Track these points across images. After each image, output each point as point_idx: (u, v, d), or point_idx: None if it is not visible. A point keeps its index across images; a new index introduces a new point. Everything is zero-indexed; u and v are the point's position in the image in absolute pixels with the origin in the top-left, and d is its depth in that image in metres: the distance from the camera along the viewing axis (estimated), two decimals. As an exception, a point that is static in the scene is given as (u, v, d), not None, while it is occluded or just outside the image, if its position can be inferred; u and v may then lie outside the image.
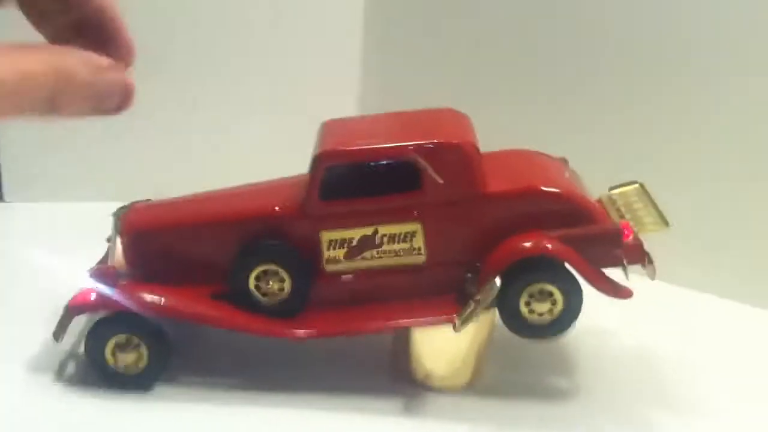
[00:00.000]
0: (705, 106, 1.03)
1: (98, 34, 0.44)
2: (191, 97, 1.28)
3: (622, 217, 0.87)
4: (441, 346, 0.88)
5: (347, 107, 1.24)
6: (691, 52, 1.02)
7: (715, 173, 1.04)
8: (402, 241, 0.84)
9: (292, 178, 0.89)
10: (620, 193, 0.91)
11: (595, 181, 0.92)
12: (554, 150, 0.94)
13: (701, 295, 1.06)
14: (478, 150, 0.84)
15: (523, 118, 1.14)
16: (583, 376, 0.92)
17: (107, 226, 0.95)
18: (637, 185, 0.92)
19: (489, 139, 0.87)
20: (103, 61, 0.42)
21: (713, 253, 1.05)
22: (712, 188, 1.05)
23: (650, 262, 0.84)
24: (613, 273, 0.85)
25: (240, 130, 1.28)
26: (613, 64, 1.08)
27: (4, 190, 1.31)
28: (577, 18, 1.09)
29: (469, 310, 0.82)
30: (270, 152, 1.17)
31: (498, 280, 0.83)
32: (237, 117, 1.28)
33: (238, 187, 0.93)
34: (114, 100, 0.43)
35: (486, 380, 0.90)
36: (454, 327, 0.82)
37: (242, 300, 0.86)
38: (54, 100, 0.40)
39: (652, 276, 0.84)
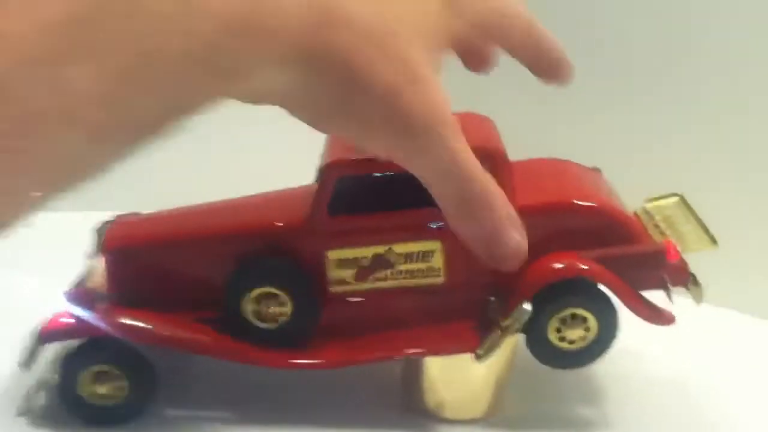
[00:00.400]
0: (751, 108, 0.97)
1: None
2: None
3: (661, 233, 0.81)
4: (456, 372, 0.82)
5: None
6: (736, 49, 0.96)
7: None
8: (419, 261, 0.77)
9: (297, 189, 0.82)
10: (658, 206, 0.84)
11: (629, 192, 0.84)
12: (582, 159, 0.87)
13: (745, 318, 0.99)
14: (506, 158, 0.77)
15: (546, 124, 1.08)
16: (613, 407, 0.85)
17: (86, 239, 0.85)
18: (677, 198, 0.85)
19: (509, 148, 0.79)
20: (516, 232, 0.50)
21: (762, 272, 0.98)
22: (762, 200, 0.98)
23: (695, 284, 0.78)
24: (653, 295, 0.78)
25: (240, 135, 1.18)
26: (646, 61, 1.02)
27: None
28: (605, 14, 1.03)
29: (493, 338, 0.76)
30: (273, 160, 1.10)
31: (528, 305, 0.76)
32: (236, 120, 1.18)
33: (235, 200, 0.84)
34: (507, 263, 0.50)
35: (506, 411, 0.84)
36: (477, 357, 0.76)
37: (238, 326, 0.78)
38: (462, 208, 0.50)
39: (699, 299, 0.78)
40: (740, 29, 0.96)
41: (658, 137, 1.02)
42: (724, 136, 0.99)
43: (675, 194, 0.85)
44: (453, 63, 1.13)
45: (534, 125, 1.05)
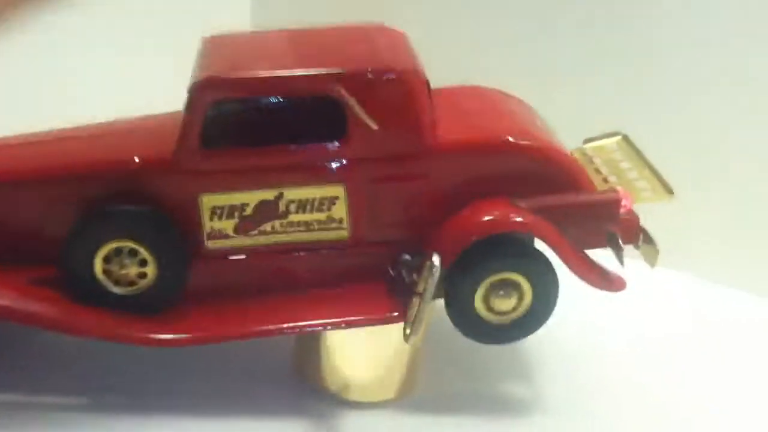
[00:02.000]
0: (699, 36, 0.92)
1: None
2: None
3: (604, 180, 0.75)
4: (361, 348, 0.76)
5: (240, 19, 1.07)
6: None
7: (724, 125, 0.92)
8: (317, 210, 0.71)
9: (162, 116, 0.74)
10: (598, 147, 0.80)
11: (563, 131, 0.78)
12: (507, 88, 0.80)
13: (700, 282, 0.94)
14: (426, 83, 0.70)
15: (472, 47, 1.00)
16: (547, 385, 0.80)
17: None
18: (619, 137, 0.82)
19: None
20: None
21: (720, 233, 0.94)
22: (718, 146, 0.93)
23: (649, 242, 0.71)
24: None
25: (85, 46, 1.06)
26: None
27: None
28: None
29: (416, 309, 0.67)
30: (139, 80, 0.97)
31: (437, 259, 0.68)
32: (77, 30, 1.06)
33: (85, 127, 0.76)
34: None
35: (420, 392, 0.78)
36: (406, 337, 0.67)
37: (85, 290, 0.70)
38: None
39: (653, 261, 0.71)
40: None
41: (594, 70, 0.98)
42: (674, 66, 0.94)
43: (617, 133, 0.80)
44: None
45: (457, 48, 1.00)
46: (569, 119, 0.80)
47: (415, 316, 0.68)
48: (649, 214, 0.75)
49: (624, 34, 0.97)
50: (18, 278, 0.69)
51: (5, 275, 0.69)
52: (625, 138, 0.80)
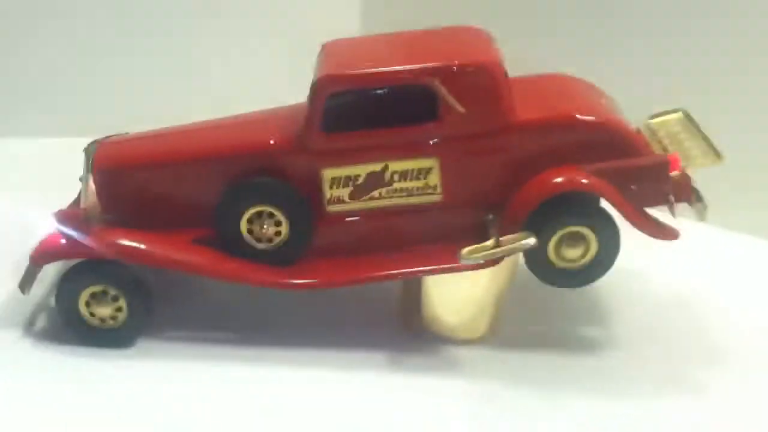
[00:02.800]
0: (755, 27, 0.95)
1: None
2: (170, 16, 1.19)
3: (665, 149, 0.79)
4: (456, 293, 0.81)
5: (349, 27, 1.14)
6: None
7: None
8: (415, 179, 0.77)
9: (289, 107, 0.81)
10: (662, 122, 0.83)
11: (632, 110, 0.82)
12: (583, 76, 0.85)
13: (753, 240, 0.98)
14: (505, 73, 0.76)
15: (547, 40, 1.06)
16: (614, 327, 0.84)
17: (79, 165, 0.85)
18: (680, 113, 0.84)
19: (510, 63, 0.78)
20: None
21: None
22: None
23: (699, 200, 0.76)
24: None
25: (228, 53, 1.19)
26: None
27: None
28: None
29: (484, 248, 0.74)
30: (262, 79, 1.10)
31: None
32: (224, 38, 1.19)
33: (226, 119, 0.84)
34: None
35: (505, 331, 0.83)
36: (460, 258, 0.74)
37: (233, 246, 0.78)
38: None
39: (702, 216, 0.76)
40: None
41: (660, 50, 1.02)
42: (733, 47, 0.97)
43: (678, 110, 0.84)
44: None
45: (530, 41, 1.04)
46: (636, 99, 0.83)
47: (480, 251, 0.73)
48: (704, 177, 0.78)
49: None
50: (182, 238, 0.78)
51: (172, 235, 0.78)
52: (686, 113, 0.83)
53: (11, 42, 1.21)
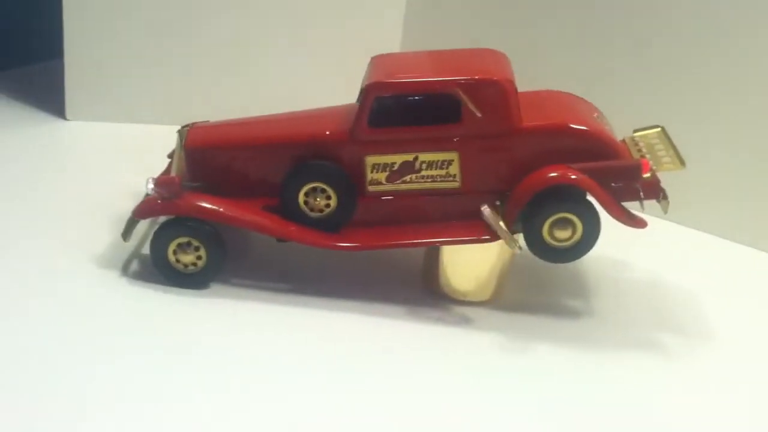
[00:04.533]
0: (728, 51, 1.07)
1: None
2: (248, 30, 1.32)
3: (642, 156, 0.93)
4: (468, 263, 0.93)
5: (392, 45, 1.28)
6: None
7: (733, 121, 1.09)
8: (439, 168, 0.90)
9: (342, 106, 0.95)
10: (642, 136, 0.97)
11: (621, 125, 0.97)
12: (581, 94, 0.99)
13: (714, 239, 1.12)
14: (514, 87, 0.89)
15: (552, 62, 1.18)
16: (597, 299, 0.98)
17: (164, 148, 1.01)
18: (658, 129, 0.97)
19: (520, 80, 0.91)
20: None
21: (732, 197, 1.10)
22: (730, 135, 1.09)
23: (665, 198, 0.90)
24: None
25: (292, 62, 1.33)
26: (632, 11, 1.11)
27: (67, 109, 1.35)
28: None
29: (498, 218, 0.87)
30: (320, 83, 1.22)
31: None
32: (290, 50, 1.33)
33: (291, 113, 0.98)
34: None
35: (506, 298, 0.95)
36: (482, 213, 0.86)
37: (292, 213, 0.92)
38: None
39: (665, 210, 0.90)
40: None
41: (645, 75, 1.14)
42: (704, 75, 1.10)
43: (657, 126, 0.97)
44: (481, 10, 1.25)
45: (543, 64, 1.15)
46: (624, 116, 0.97)
47: (500, 223, 0.86)
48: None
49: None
50: (252, 204, 0.92)
51: (247, 203, 0.91)
52: (663, 129, 0.96)
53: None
